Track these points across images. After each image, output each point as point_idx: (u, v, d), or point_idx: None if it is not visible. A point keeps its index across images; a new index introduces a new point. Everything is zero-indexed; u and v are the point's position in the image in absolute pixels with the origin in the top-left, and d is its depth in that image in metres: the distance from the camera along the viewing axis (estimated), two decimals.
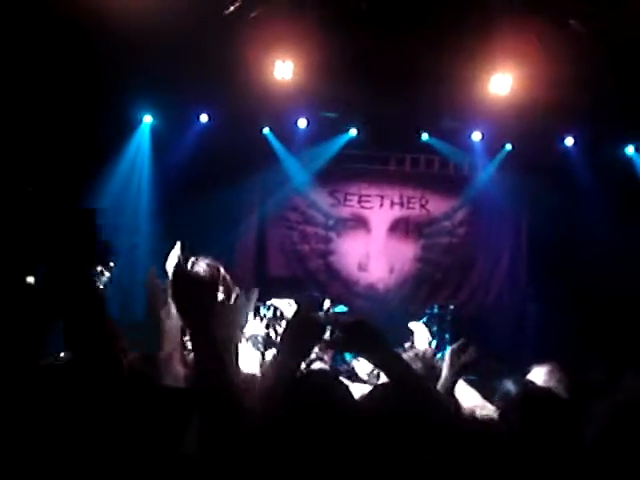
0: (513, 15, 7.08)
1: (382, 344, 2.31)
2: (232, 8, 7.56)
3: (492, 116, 9.34)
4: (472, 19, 7.39)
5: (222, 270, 3.46)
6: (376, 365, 2.46)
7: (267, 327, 3.41)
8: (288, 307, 3.44)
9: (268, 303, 3.49)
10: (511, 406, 2.59)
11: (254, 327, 3.38)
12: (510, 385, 2.80)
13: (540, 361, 3.17)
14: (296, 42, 8.06)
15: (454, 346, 2.97)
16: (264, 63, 8.42)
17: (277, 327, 3.42)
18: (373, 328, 2.31)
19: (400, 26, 7.70)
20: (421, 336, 3.51)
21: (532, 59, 7.85)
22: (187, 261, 3.32)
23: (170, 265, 2.96)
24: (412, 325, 3.62)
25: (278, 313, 3.43)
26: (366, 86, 8.60)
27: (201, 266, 3.38)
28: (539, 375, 3.12)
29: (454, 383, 2.88)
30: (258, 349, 3.30)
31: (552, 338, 9.03)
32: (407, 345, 3.52)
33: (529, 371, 3.16)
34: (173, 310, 2.62)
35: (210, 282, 2.80)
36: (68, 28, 7.21)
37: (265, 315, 3.45)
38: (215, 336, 2.20)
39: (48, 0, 6.77)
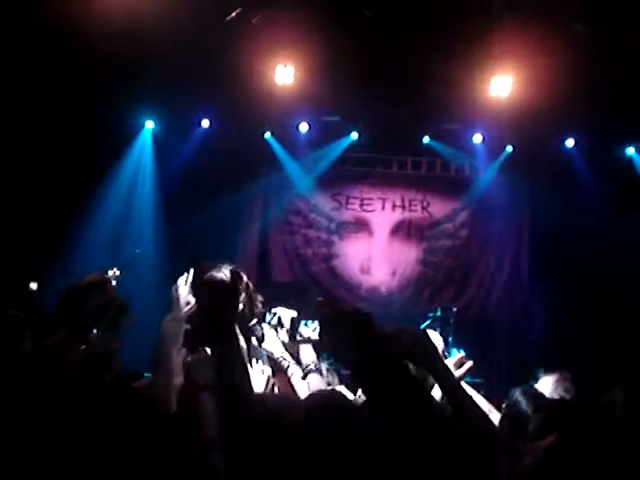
0: (514, 17, 7.10)
1: (440, 358, 2.37)
2: (233, 14, 7.58)
3: (493, 118, 9.36)
4: (473, 22, 7.40)
5: (244, 277, 3.48)
6: (435, 377, 2.50)
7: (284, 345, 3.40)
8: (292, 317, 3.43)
9: (273, 310, 3.48)
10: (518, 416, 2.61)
11: (271, 343, 3.37)
12: (519, 395, 2.79)
13: (548, 368, 3.17)
14: (297, 46, 8.09)
15: (453, 359, 3.00)
16: (265, 68, 8.46)
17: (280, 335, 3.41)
18: (432, 341, 2.35)
19: (401, 29, 7.72)
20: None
21: (533, 61, 7.88)
22: (207, 268, 3.34)
23: (182, 289, 3.00)
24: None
25: (282, 322, 3.42)
26: (367, 89, 8.62)
27: (224, 273, 3.40)
28: (547, 384, 3.13)
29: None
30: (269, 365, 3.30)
31: (556, 339, 9.05)
32: None
33: (537, 379, 3.17)
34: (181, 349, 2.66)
35: (234, 289, 2.81)
36: (69, 33, 7.22)
37: (270, 322, 3.44)
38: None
39: (47, 5, 6.77)
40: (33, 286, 7.83)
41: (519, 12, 7.13)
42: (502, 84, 8.37)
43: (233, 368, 2.13)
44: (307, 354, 3.28)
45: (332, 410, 2.10)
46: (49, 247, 8.25)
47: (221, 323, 2.16)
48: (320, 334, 2.90)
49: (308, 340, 3.29)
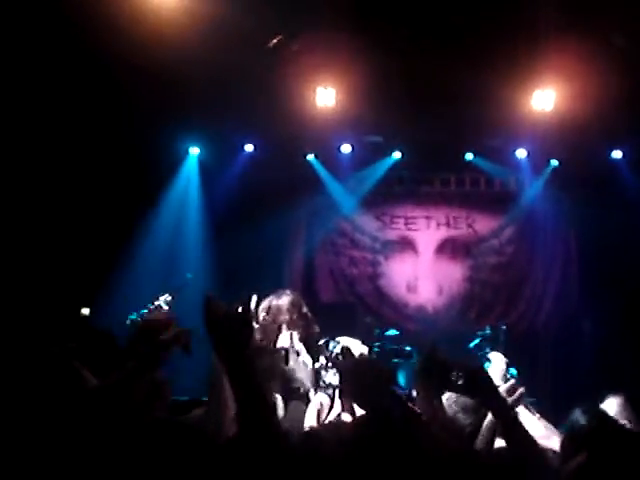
0: (555, 31, 7.06)
1: (498, 392, 2.40)
2: (275, 40, 7.69)
3: (536, 133, 9.29)
4: (513, 36, 7.38)
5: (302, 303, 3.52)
6: (491, 410, 2.53)
7: (331, 364, 3.40)
8: (358, 347, 3.43)
9: (338, 339, 3.48)
10: (577, 437, 2.56)
11: (329, 376, 3.38)
12: (579, 415, 2.72)
13: (614, 391, 3.11)
14: (337, 68, 8.16)
15: (505, 386, 2.97)
16: (306, 90, 8.54)
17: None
18: (489, 376, 2.39)
19: (440, 46, 7.73)
20: (497, 368, 3.45)
21: (575, 74, 7.81)
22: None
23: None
24: (492, 356, 3.55)
25: (344, 351, 3.41)
26: (408, 108, 8.62)
27: (282, 298, 3.45)
28: (612, 406, 3.06)
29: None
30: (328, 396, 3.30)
31: (609, 355, 8.85)
32: None
33: (602, 400, 3.11)
34: None
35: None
36: (113, 63, 7.39)
37: (332, 352, 3.44)
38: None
39: (95, 32, 6.94)
40: (85, 312, 7.97)
41: (559, 26, 7.08)
42: (545, 98, 8.32)
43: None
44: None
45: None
46: (101, 275, 8.41)
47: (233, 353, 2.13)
48: (340, 382, 2.93)
49: (329, 386, 3.29)
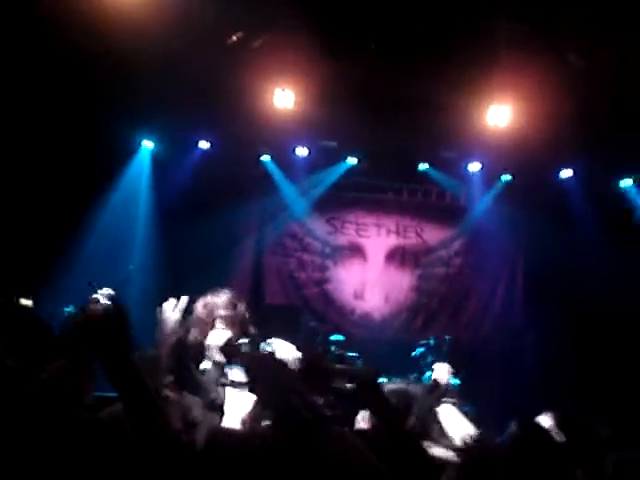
0: (513, 48, 7.16)
1: (388, 403, 2.43)
2: (235, 38, 7.62)
3: (490, 147, 9.40)
4: (472, 51, 7.46)
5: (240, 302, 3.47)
6: (377, 416, 2.52)
7: None
8: (289, 351, 3.37)
9: (269, 341, 3.43)
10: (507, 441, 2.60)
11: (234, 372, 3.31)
12: (514, 424, 2.79)
13: (546, 408, 3.17)
14: (296, 71, 8.13)
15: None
16: (264, 91, 8.49)
17: None
18: (379, 385, 2.44)
19: (400, 57, 7.77)
20: (440, 376, 3.48)
21: (531, 91, 7.93)
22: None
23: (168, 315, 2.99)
24: (436, 366, 3.58)
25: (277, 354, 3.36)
26: (366, 116, 8.65)
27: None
28: (546, 422, 3.12)
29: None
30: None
31: (548, 368, 9.02)
32: (412, 377, 3.50)
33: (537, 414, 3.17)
34: None
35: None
36: (69, 51, 7.25)
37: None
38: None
39: (46, 21, 6.81)
40: (27, 302, 7.75)
41: (517, 43, 7.19)
42: (500, 113, 8.42)
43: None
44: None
45: None
46: (43, 264, 8.20)
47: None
48: (249, 383, 2.89)
49: (235, 384, 3.23)
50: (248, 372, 2.67)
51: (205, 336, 3.84)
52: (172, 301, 3.39)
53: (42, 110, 8.17)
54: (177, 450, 2.14)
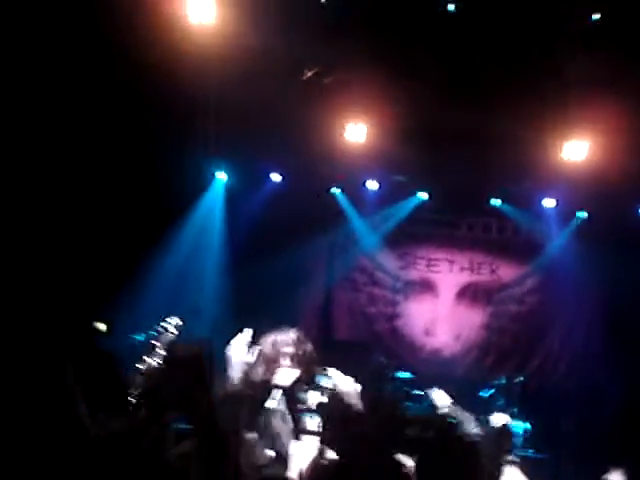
0: (591, 82, 7.01)
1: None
2: (309, 73, 7.71)
3: (566, 183, 9.16)
4: (547, 84, 7.34)
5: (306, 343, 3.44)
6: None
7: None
8: (347, 383, 3.33)
9: (326, 372, 3.39)
10: None
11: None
12: None
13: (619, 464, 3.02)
14: (369, 105, 8.14)
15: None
16: (337, 125, 8.52)
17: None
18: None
19: (474, 92, 7.70)
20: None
21: (609, 126, 7.72)
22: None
23: (237, 350, 2.97)
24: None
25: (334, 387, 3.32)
26: (438, 150, 8.60)
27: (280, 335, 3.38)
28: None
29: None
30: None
31: (628, 418, 8.59)
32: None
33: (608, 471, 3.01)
34: None
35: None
36: (153, 84, 7.43)
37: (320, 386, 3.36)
38: None
39: (134, 57, 7.00)
40: (102, 327, 7.88)
41: (597, 77, 7.03)
42: (577, 148, 8.21)
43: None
44: None
45: None
46: (116, 292, 8.37)
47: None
48: (324, 428, 2.84)
49: (309, 432, 3.19)
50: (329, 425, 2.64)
51: (272, 374, 3.82)
52: (240, 337, 3.39)
53: (120, 142, 8.41)
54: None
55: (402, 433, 2.47)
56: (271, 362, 3.84)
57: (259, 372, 3.75)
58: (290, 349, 3.91)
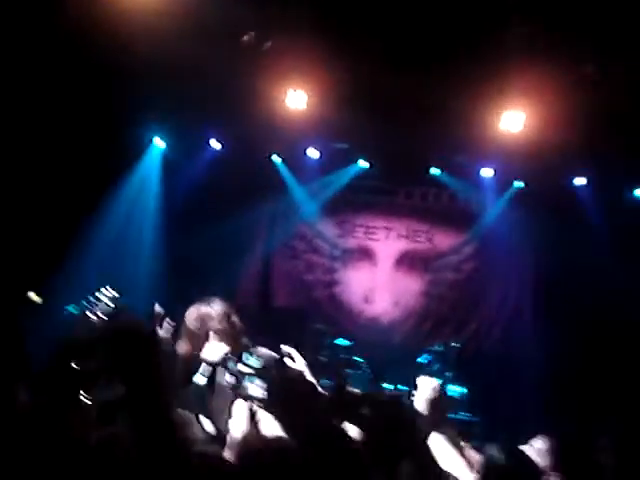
0: (529, 54, 7.07)
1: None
2: (246, 37, 7.57)
3: (503, 153, 9.29)
4: (486, 56, 7.37)
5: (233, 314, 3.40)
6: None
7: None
8: (272, 357, 3.33)
9: (253, 350, 3.36)
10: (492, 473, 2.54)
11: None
12: (494, 450, 2.68)
13: (543, 431, 3.09)
14: (310, 72, 8.07)
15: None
16: (277, 92, 8.43)
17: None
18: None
19: (413, 61, 7.70)
20: (423, 394, 3.36)
21: (546, 98, 7.83)
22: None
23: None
24: (420, 380, 3.45)
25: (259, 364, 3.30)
26: (378, 119, 8.58)
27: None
28: (539, 446, 3.03)
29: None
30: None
31: (556, 379, 8.88)
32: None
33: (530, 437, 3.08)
34: None
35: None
36: (82, 47, 7.23)
37: (247, 363, 3.33)
38: None
39: (61, 18, 6.79)
40: (37, 299, 7.69)
41: (535, 49, 7.10)
42: (514, 119, 8.32)
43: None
44: None
45: None
46: (50, 261, 8.16)
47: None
48: (269, 395, 2.84)
49: (253, 399, 3.18)
50: (274, 392, 2.62)
51: (199, 350, 3.75)
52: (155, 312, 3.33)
53: (53, 105, 8.14)
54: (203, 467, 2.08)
55: (353, 410, 2.48)
56: (196, 337, 3.77)
57: (183, 347, 3.69)
58: (215, 323, 3.83)
